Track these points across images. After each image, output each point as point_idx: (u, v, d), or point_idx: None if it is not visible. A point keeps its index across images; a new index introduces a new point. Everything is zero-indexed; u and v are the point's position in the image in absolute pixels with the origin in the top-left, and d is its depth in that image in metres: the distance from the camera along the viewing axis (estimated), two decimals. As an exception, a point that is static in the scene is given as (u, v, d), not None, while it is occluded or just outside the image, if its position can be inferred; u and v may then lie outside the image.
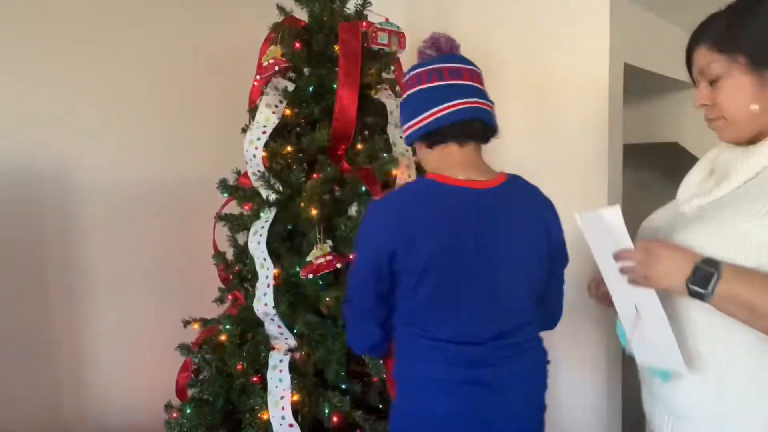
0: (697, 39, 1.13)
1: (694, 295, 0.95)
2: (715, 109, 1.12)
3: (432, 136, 1.22)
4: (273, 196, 1.61)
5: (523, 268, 1.21)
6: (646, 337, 1.06)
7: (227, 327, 1.66)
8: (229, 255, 1.85)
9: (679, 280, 0.96)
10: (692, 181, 1.22)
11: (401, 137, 1.70)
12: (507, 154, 1.72)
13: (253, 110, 1.71)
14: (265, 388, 1.50)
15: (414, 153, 1.76)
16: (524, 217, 1.23)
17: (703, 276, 0.94)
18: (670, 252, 0.99)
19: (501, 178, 1.23)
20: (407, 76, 1.27)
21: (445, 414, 1.16)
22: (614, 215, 1.03)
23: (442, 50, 1.26)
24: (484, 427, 1.16)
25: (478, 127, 1.21)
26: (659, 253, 0.99)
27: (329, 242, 1.56)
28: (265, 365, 1.53)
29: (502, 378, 1.17)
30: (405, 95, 1.27)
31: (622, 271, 1.03)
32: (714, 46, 1.08)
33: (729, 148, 1.17)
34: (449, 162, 1.22)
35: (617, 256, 1.03)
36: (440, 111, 1.18)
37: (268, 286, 1.52)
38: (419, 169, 1.76)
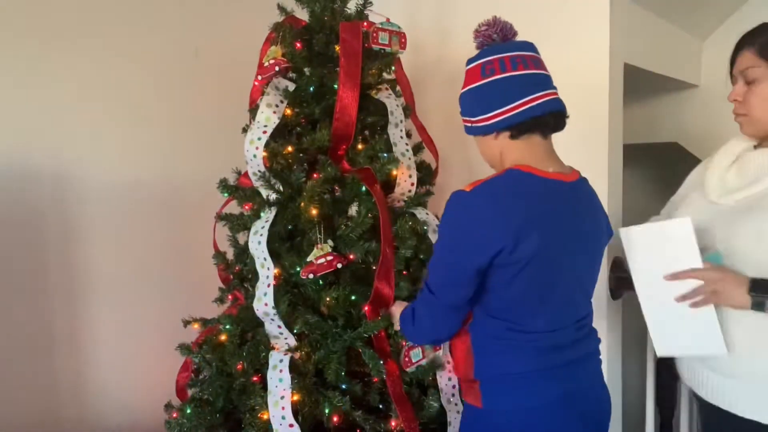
0: (745, 42, 1.29)
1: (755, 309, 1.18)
2: (743, 105, 1.28)
3: (521, 126, 1.18)
4: (273, 196, 1.61)
5: (594, 257, 1.31)
6: (693, 331, 1.25)
7: (227, 327, 1.66)
8: (230, 255, 1.85)
9: (744, 301, 1.18)
10: (719, 174, 1.36)
11: (401, 137, 1.72)
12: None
13: (253, 110, 1.71)
14: (265, 388, 1.49)
15: (409, 152, 1.77)
16: (596, 209, 1.32)
17: (759, 301, 1.16)
18: (734, 278, 1.19)
19: (575, 172, 1.28)
20: (482, 61, 1.20)
21: (553, 400, 1.18)
22: (685, 229, 1.19)
23: (508, 36, 1.23)
24: (583, 406, 1.23)
25: (560, 118, 1.22)
26: (727, 277, 1.19)
27: (330, 242, 1.56)
28: (265, 365, 1.53)
29: (581, 359, 1.26)
30: (485, 81, 1.18)
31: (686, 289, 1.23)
32: (758, 53, 1.25)
33: (756, 148, 1.33)
34: (535, 154, 1.20)
35: (684, 274, 1.22)
36: (534, 100, 1.16)
37: (269, 285, 1.52)
38: (419, 169, 1.76)
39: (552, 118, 1.20)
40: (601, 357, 1.36)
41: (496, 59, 1.18)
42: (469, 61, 1.25)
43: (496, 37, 1.22)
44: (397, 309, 1.48)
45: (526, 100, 1.16)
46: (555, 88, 1.22)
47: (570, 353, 1.23)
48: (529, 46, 1.22)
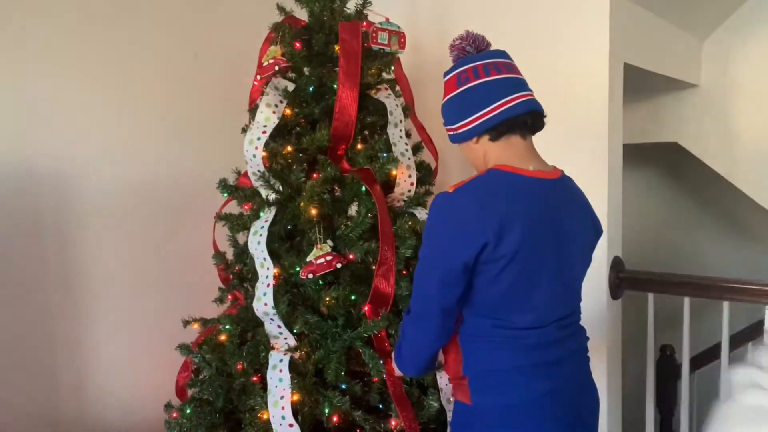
0: None
1: None
2: None
3: (499, 128, 1.22)
4: (273, 196, 1.61)
5: (581, 256, 1.30)
6: None
7: (227, 327, 1.66)
8: (229, 255, 1.85)
9: None
10: None
11: (401, 137, 1.72)
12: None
13: (253, 110, 1.71)
14: (265, 388, 1.50)
15: (409, 152, 1.77)
16: (580, 208, 1.32)
17: None
18: None
19: (558, 170, 1.30)
20: (457, 71, 1.26)
21: (540, 396, 1.20)
22: None
23: (481, 47, 1.28)
24: (570, 403, 1.24)
25: (538, 118, 1.26)
26: None
27: (329, 242, 1.56)
28: (265, 365, 1.53)
29: (566, 357, 1.26)
30: (461, 89, 1.24)
31: None
32: None
33: None
34: (516, 154, 1.24)
35: None
36: (509, 102, 1.21)
37: (268, 285, 1.52)
38: (419, 168, 1.76)
39: (529, 117, 1.24)
40: (589, 354, 1.36)
41: (470, 68, 1.24)
42: (446, 74, 1.30)
43: (470, 49, 1.27)
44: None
45: (501, 103, 1.21)
46: (530, 90, 1.26)
47: (556, 351, 1.24)
48: (501, 54, 1.27)
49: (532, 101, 1.24)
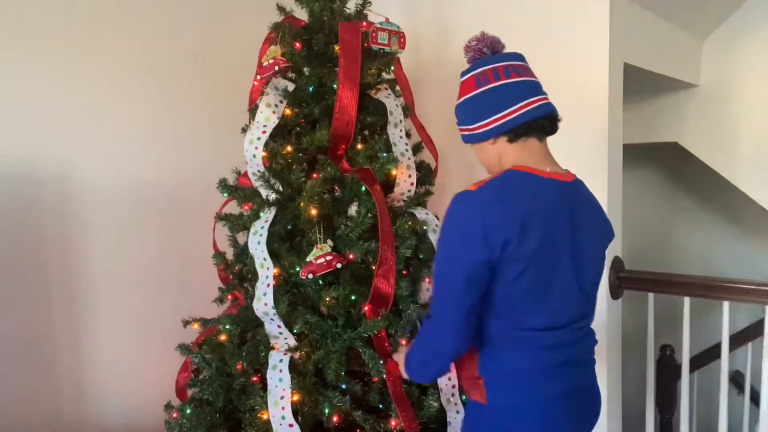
0: None
1: None
2: None
3: (518, 130, 1.23)
4: (273, 196, 1.61)
5: (595, 259, 1.31)
6: None
7: (227, 327, 1.66)
8: (229, 255, 1.85)
9: None
10: None
11: (401, 137, 1.72)
12: (507, 153, 1.71)
13: (253, 110, 1.71)
14: (265, 388, 1.49)
15: (409, 152, 1.77)
16: (594, 211, 1.33)
17: None
18: None
19: (571, 174, 1.31)
20: (476, 72, 1.26)
21: (553, 397, 1.22)
22: None
23: (497, 49, 1.28)
24: (578, 405, 1.26)
25: (554, 121, 1.28)
26: None
27: (329, 242, 1.56)
28: (265, 365, 1.53)
29: (577, 360, 1.28)
30: (480, 90, 1.24)
31: None
32: None
33: None
34: (532, 156, 1.25)
35: None
36: (529, 105, 1.22)
37: (268, 285, 1.52)
38: (419, 168, 1.76)
39: (546, 121, 1.25)
40: (594, 357, 1.37)
41: (490, 69, 1.24)
42: (463, 74, 1.30)
43: (486, 51, 1.28)
44: (401, 356, 1.43)
45: (521, 105, 1.22)
46: (546, 93, 1.27)
47: (569, 353, 1.25)
48: (518, 56, 1.28)
49: (549, 105, 1.25)
